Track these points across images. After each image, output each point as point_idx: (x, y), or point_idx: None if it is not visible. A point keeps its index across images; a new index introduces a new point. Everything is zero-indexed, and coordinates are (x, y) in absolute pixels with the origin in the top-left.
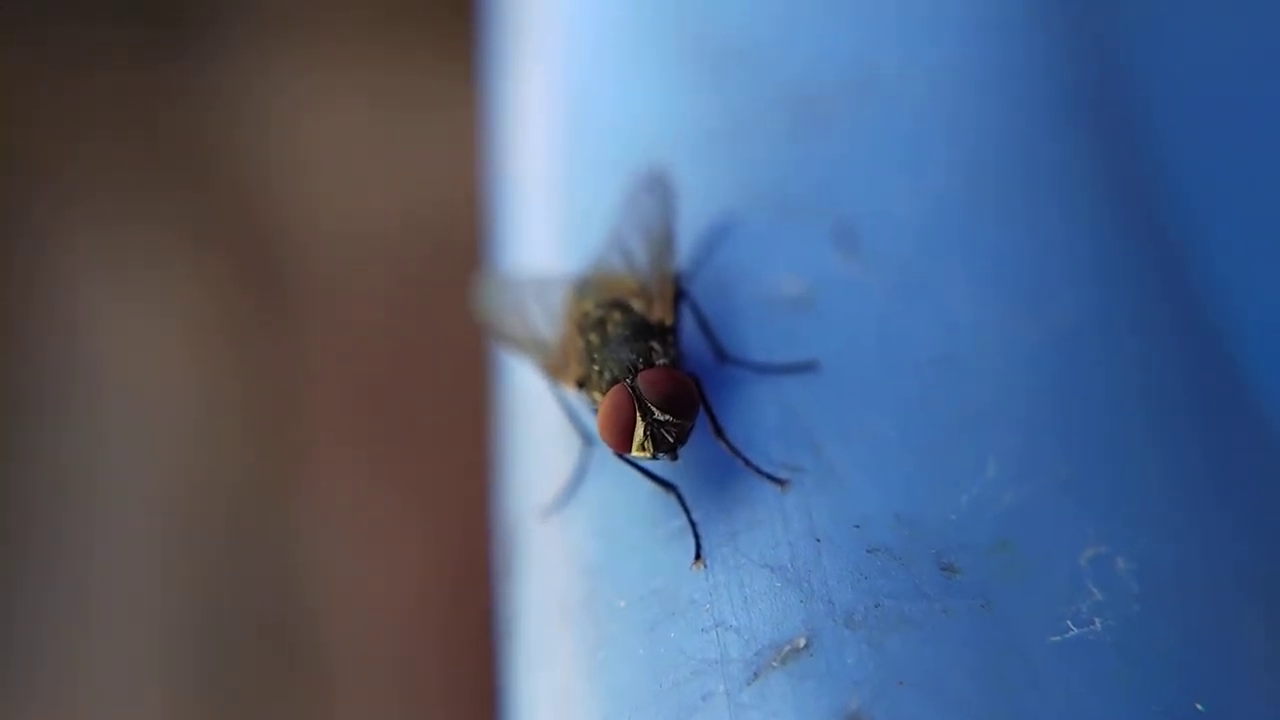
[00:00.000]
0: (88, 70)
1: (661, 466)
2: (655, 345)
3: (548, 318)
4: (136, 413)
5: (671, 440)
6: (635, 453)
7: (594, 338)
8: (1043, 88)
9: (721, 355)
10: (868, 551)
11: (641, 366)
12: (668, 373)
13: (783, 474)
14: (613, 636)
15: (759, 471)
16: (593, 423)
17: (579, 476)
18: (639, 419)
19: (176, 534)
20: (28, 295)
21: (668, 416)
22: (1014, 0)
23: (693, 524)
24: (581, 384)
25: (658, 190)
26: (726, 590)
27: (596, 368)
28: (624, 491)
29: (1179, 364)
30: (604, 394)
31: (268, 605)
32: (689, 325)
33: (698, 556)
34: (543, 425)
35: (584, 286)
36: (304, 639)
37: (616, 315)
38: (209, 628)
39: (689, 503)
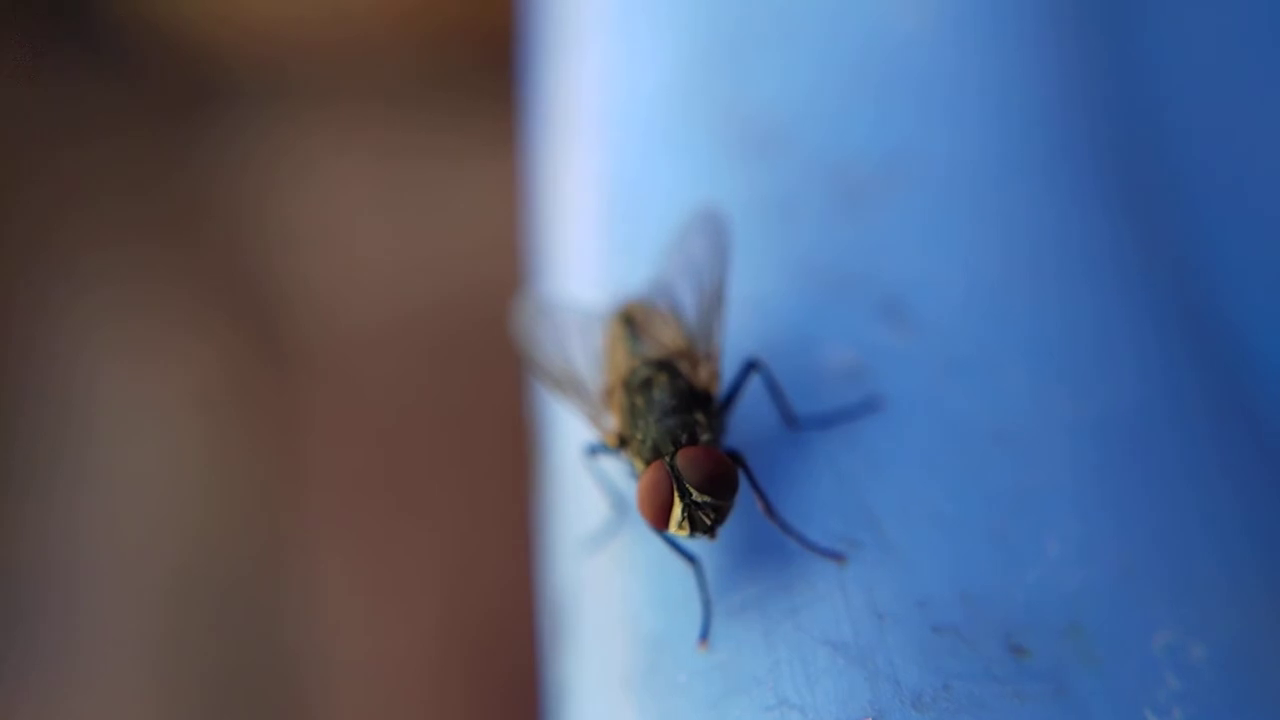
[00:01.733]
0: (91, 131)
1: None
2: (700, 417)
3: (589, 356)
4: (136, 474)
5: (709, 522)
6: (673, 531)
7: (639, 400)
8: (1092, 172)
9: (791, 422)
10: (933, 630)
11: (684, 441)
12: (708, 452)
13: (840, 548)
14: (676, 711)
15: (815, 548)
16: (626, 486)
17: (607, 539)
18: (677, 499)
19: (178, 599)
20: (28, 354)
21: (706, 498)
22: (1059, 86)
23: (705, 601)
24: (621, 443)
25: (710, 232)
26: (789, 667)
27: (639, 435)
28: (681, 560)
29: (1225, 452)
30: (643, 461)
31: (275, 672)
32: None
33: (704, 636)
34: (589, 485)
35: (631, 331)
36: (314, 706)
37: (663, 379)
38: (212, 697)
39: (745, 575)
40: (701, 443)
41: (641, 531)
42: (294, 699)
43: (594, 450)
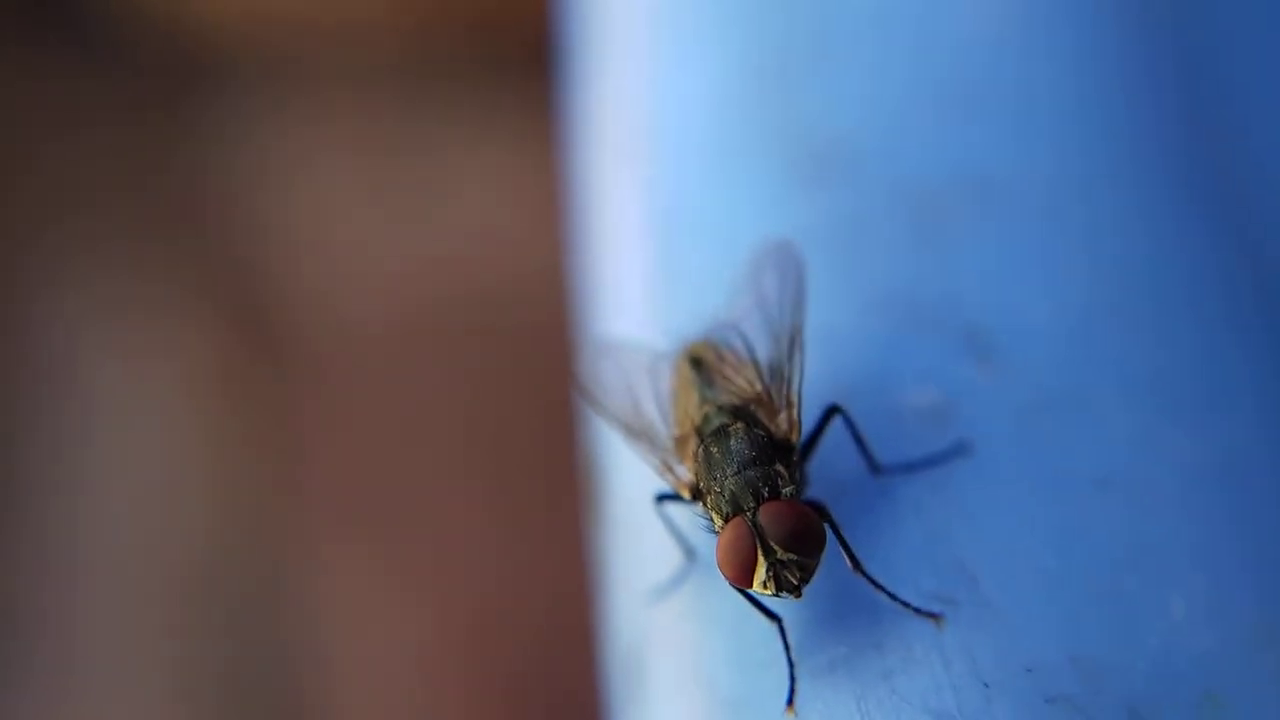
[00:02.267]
0: (80, 124)
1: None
2: (780, 470)
3: (659, 401)
4: (135, 471)
5: (796, 581)
6: (756, 590)
7: (715, 450)
8: (1186, 185)
9: (875, 469)
10: (1046, 702)
11: (765, 495)
12: (793, 507)
13: (935, 607)
14: None
15: (908, 606)
16: (695, 532)
17: (676, 588)
18: (761, 557)
19: (177, 599)
20: (22, 351)
21: (792, 555)
22: (1143, 92)
23: (790, 662)
24: (695, 494)
25: (783, 266)
26: None
27: (716, 486)
28: (761, 617)
29: None
30: (720, 515)
31: (274, 671)
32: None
33: (790, 701)
34: (654, 531)
35: (701, 375)
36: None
37: (740, 428)
38: (213, 695)
39: (832, 634)
40: (783, 496)
41: (715, 583)
42: (293, 698)
43: (663, 498)
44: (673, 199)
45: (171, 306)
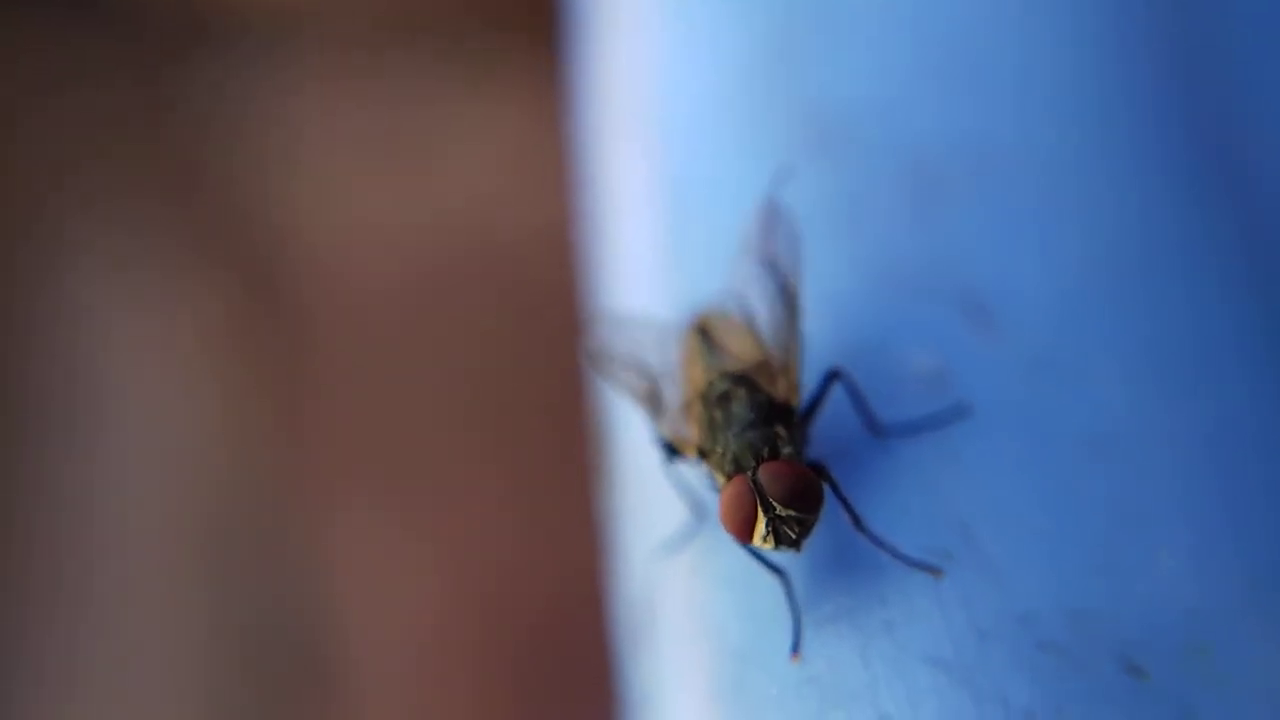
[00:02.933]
0: (81, 84)
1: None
2: (780, 430)
3: (667, 371)
4: (146, 423)
5: (794, 536)
6: (757, 544)
7: (718, 414)
8: (1184, 156)
9: (876, 430)
10: (1039, 648)
11: (765, 455)
12: (791, 466)
13: (934, 561)
14: None
15: (909, 560)
16: (705, 493)
17: (684, 544)
18: (760, 513)
19: (191, 549)
20: (32, 305)
21: (790, 512)
22: (1142, 64)
23: (795, 613)
24: (702, 454)
25: (774, 228)
26: (888, 685)
27: (719, 448)
28: (767, 571)
29: None
30: (725, 475)
31: (287, 621)
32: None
33: (795, 649)
34: (662, 489)
35: (708, 344)
36: (328, 654)
37: (741, 393)
38: (225, 644)
39: (836, 586)
40: (783, 456)
41: (721, 539)
42: (309, 651)
43: (671, 454)
44: (680, 169)
45: (180, 264)
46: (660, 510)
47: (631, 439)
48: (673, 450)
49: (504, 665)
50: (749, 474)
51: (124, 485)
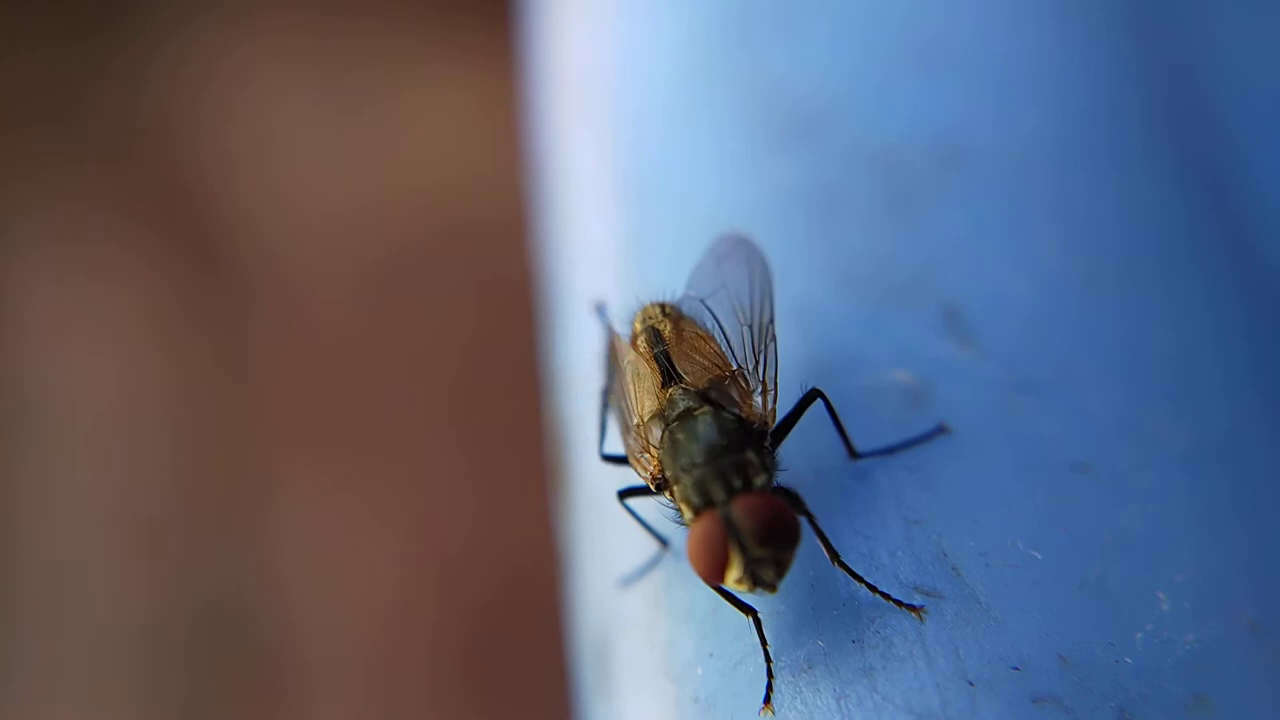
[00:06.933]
0: (8, 49)
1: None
2: (752, 457)
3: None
4: (79, 402)
5: (771, 579)
6: (730, 586)
7: (681, 436)
8: (1168, 155)
9: (853, 453)
10: (1033, 701)
11: (738, 487)
12: (767, 500)
13: (918, 600)
14: None
15: (889, 598)
16: (663, 519)
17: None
18: (734, 555)
19: (131, 534)
20: None
21: (767, 552)
22: (1126, 60)
23: (767, 658)
24: (659, 485)
25: (744, 260)
26: None
27: (684, 475)
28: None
29: None
30: (690, 507)
31: (235, 607)
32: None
33: (767, 700)
34: (621, 515)
35: (659, 345)
36: (277, 640)
37: (708, 412)
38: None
39: (810, 628)
40: (757, 487)
41: (686, 571)
42: (259, 627)
43: (627, 492)
44: (636, 160)
45: (120, 233)
46: (619, 534)
47: (589, 457)
48: (633, 488)
49: (456, 649)
50: (720, 509)
51: (53, 470)
